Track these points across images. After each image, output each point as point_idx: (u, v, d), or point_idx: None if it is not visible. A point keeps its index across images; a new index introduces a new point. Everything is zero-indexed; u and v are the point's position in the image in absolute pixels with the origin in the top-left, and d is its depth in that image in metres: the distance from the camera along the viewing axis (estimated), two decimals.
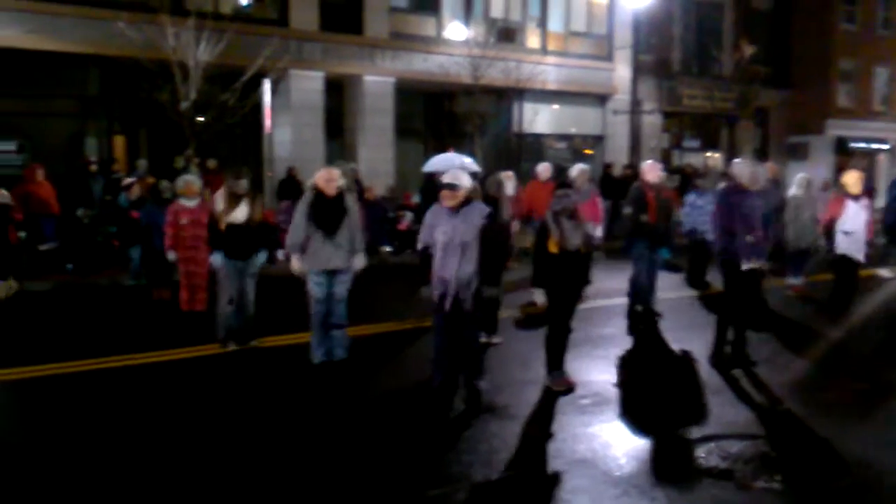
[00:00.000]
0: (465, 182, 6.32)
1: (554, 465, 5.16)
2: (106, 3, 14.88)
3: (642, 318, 9.50)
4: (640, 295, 9.65)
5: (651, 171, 9.61)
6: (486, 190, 8.27)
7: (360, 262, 7.54)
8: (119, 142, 16.68)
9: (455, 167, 14.96)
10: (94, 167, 14.19)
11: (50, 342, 8.59)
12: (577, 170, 11.39)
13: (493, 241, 6.42)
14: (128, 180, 12.81)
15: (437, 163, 14.89)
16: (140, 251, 11.56)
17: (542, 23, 21.47)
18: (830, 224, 10.20)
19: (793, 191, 11.15)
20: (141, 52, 13.57)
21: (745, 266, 7.35)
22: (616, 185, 18.29)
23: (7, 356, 7.85)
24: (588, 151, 22.98)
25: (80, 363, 7.55)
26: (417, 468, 5.10)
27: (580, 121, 22.94)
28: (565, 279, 6.60)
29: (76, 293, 11.76)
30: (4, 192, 11.47)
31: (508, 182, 14.01)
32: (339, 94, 18.84)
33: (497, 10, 20.52)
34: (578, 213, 6.74)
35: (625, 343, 8.59)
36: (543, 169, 13.54)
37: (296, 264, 7.38)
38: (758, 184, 7.68)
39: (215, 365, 7.63)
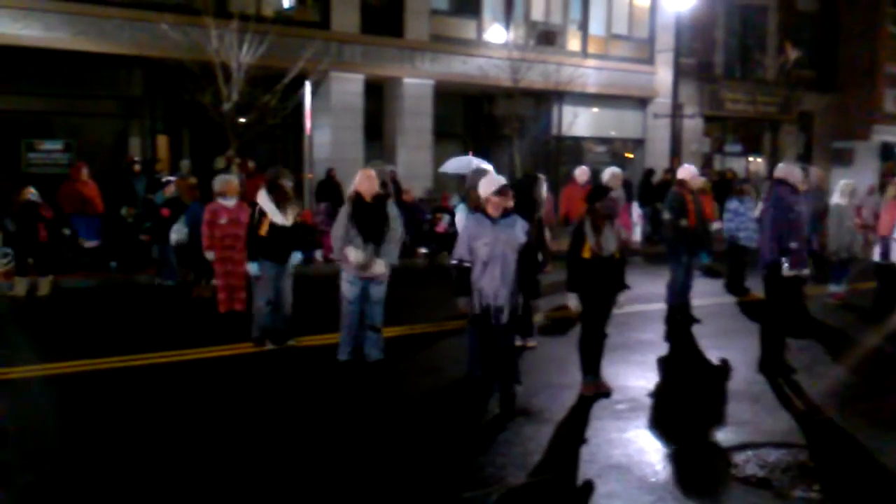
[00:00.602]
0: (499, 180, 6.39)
1: (588, 469, 5.13)
2: (151, 6, 15.11)
3: (680, 324, 9.42)
4: (678, 300, 9.57)
5: (689, 174, 9.54)
6: (522, 189, 8.17)
7: (380, 267, 7.41)
8: (162, 142, 16.91)
9: (471, 169, 14.99)
10: (137, 167, 14.41)
11: (89, 339, 8.75)
12: (609, 173, 11.33)
13: (533, 250, 6.46)
14: (166, 178, 13.00)
15: (453, 164, 14.84)
16: (173, 249, 11.73)
17: (583, 26, 21.35)
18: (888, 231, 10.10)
19: (835, 198, 10.93)
20: (184, 54, 13.76)
21: (787, 273, 7.24)
22: (656, 190, 18.15)
23: (49, 352, 8.01)
24: (628, 155, 22.81)
25: (116, 360, 7.68)
26: (451, 470, 5.11)
27: (620, 124, 22.78)
28: (600, 284, 6.55)
29: (118, 291, 11.96)
30: (33, 189, 11.69)
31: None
32: (378, 96, 18.91)
33: (538, 13, 20.44)
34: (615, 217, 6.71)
35: (662, 349, 8.52)
36: (581, 172, 13.45)
37: (353, 254, 7.33)
38: (807, 185, 7.64)
39: (253, 363, 7.71)
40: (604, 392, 6.66)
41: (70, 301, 11.17)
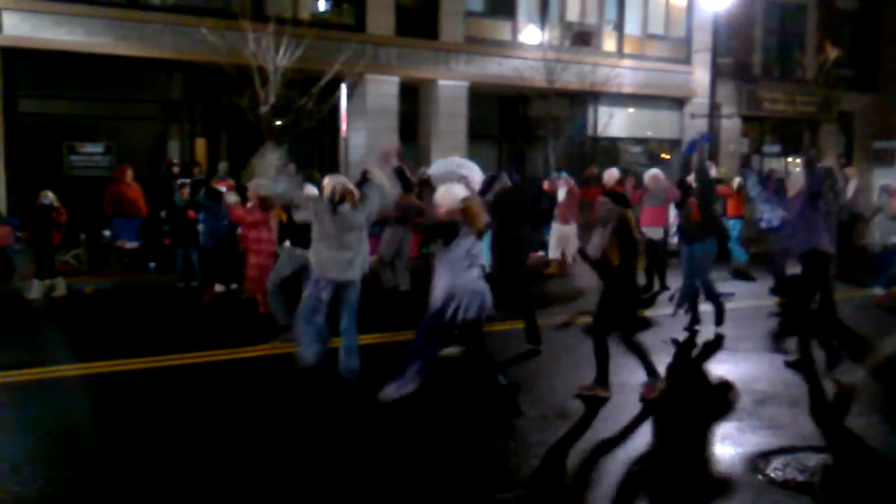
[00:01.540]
0: (455, 195, 6.15)
1: (627, 470, 5.10)
2: (191, 10, 15.30)
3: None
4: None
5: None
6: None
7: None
8: (200, 144, 17.12)
9: (452, 172, 14.86)
10: (176, 169, 14.61)
11: (117, 339, 8.91)
12: (649, 175, 11.31)
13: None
14: (181, 181, 13.07)
15: (436, 167, 14.86)
16: (196, 251, 11.88)
17: (619, 26, 21.22)
18: None
19: (876, 199, 10.84)
20: (222, 58, 13.93)
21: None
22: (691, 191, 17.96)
23: (87, 351, 8.16)
24: (665, 156, 22.62)
25: (141, 361, 7.82)
26: (485, 471, 5.11)
27: (656, 125, 22.60)
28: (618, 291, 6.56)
29: (135, 292, 12.07)
30: (49, 193, 11.88)
31: (562, 188, 13.94)
32: (413, 98, 18.96)
33: (573, 14, 20.36)
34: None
35: (704, 349, 8.43)
36: (609, 175, 13.29)
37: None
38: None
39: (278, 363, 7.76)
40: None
41: (83, 303, 11.32)
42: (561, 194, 13.86)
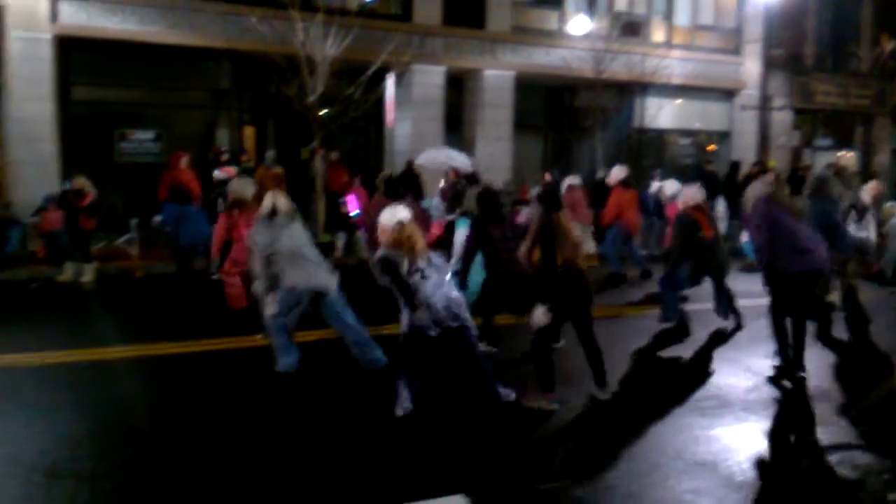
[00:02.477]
0: (391, 219, 5.88)
1: (673, 466, 5.06)
2: (241, 0, 15.45)
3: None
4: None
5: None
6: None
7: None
8: (248, 133, 17.31)
9: (441, 162, 14.63)
10: (224, 157, 14.76)
11: (157, 323, 9.09)
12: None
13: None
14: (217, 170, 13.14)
15: (427, 157, 14.85)
16: None
17: (668, 16, 20.95)
18: None
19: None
20: (271, 47, 14.04)
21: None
22: (743, 184, 17.67)
23: (130, 334, 8.32)
24: (712, 147, 22.29)
25: (180, 345, 7.99)
26: (530, 462, 5.10)
27: (705, 116, 22.28)
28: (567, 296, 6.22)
29: (201, 277, 12.18)
30: (81, 178, 12.02)
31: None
32: (458, 88, 18.93)
33: (621, 4, 20.15)
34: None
35: (751, 346, 8.30)
36: (617, 173, 12.76)
37: None
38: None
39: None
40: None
41: (112, 287, 11.47)
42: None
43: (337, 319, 6.85)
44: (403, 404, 5.83)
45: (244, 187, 9.20)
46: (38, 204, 12.87)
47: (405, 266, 5.69)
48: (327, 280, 6.80)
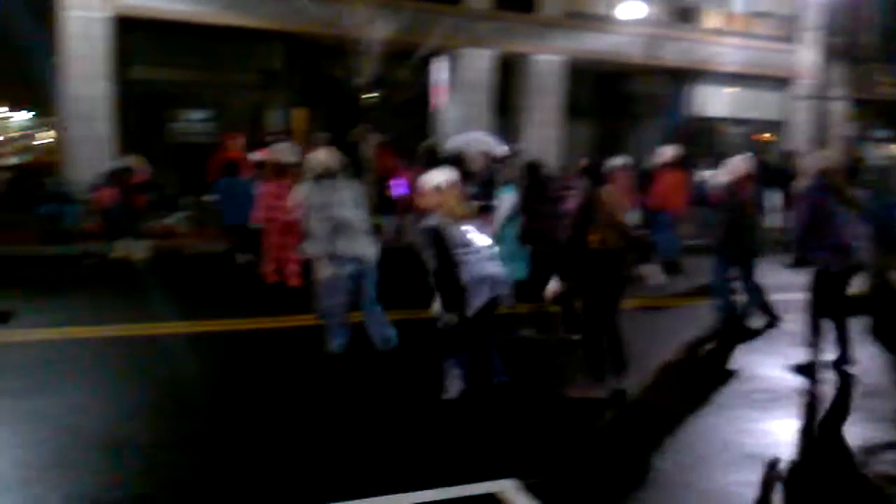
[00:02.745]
0: (431, 181, 5.74)
1: (721, 458, 5.01)
2: None
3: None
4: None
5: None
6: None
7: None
8: (298, 115, 17.42)
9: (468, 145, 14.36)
10: (275, 138, 14.84)
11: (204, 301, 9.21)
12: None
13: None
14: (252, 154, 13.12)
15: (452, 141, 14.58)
16: None
17: (723, 2, 20.57)
18: None
19: None
20: (323, 29, 14.10)
21: None
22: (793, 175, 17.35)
23: (185, 311, 8.46)
24: (767, 137, 21.87)
25: (223, 322, 8.04)
26: (578, 449, 5.09)
27: (758, 105, 21.88)
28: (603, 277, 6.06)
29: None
30: (131, 157, 12.17)
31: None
32: (507, 72, 18.83)
33: None
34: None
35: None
36: (667, 152, 12.15)
37: None
38: None
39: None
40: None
41: (164, 265, 11.64)
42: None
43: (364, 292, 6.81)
44: (453, 387, 5.82)
45: (285, 153, 9.12)
46: (94, 181, 13.12)
47: (454, 236, 5.53)
48: (368, 250, 6.73)
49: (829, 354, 6.96)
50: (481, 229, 5.75)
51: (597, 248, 5.80)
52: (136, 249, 11.95)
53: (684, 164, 12.47)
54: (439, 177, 5.71)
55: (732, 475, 4.74)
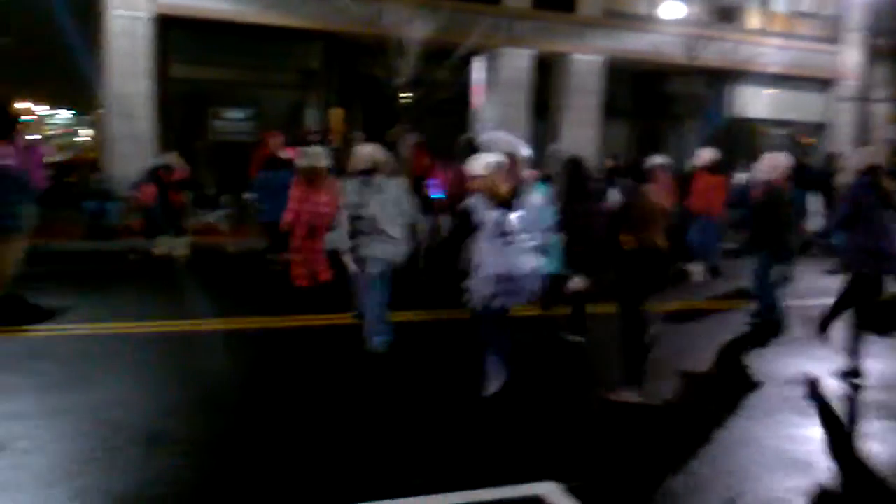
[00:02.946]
0: (481, 163, 5.72)
1: (770, 464, 4.93)
2: None
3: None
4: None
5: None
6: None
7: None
8: (335, 114, 17.50)
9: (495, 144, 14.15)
10: (315, 137, 14.95)
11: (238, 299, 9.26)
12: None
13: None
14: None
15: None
16: None
17: (765, 1, 20.30)
18: None
19: None
20: (361, 28, 14.15)
21: None
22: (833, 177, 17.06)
23: (219, 308, 8.54)
24: (806, 140, 21.55)
25: (261, 320, 8.09)
26: (620, 453, 5.05)
27: (799, 107, 21.56)
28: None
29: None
30: (171, 154, 12.27)
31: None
32: (545, 72, 18.76)
33: None
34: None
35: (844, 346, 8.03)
36: (704, 155, 11.95)
37: None
38: None
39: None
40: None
41: (205, 262, 11.74)
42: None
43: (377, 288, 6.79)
44: (491, 384, 5.81)
45: (317, 157, 9.13)
46: (136, 178, 13.30)
47: (494, 223, 5.52)
48: (397, 254, 6.71)
49: (869, 360, 6.83)
50: (531, 217, 5.69)
51: (633, 247, 5.73)
52: (177, 246, 12.08)
53: (721, 166, 12.34)
54: (489, 158, 5.72)
55: (778, 482, 4.67)
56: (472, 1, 16.98)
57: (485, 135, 14.51)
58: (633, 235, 5.70)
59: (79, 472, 4.44)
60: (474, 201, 5.61)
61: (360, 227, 6.62)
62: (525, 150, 8.70)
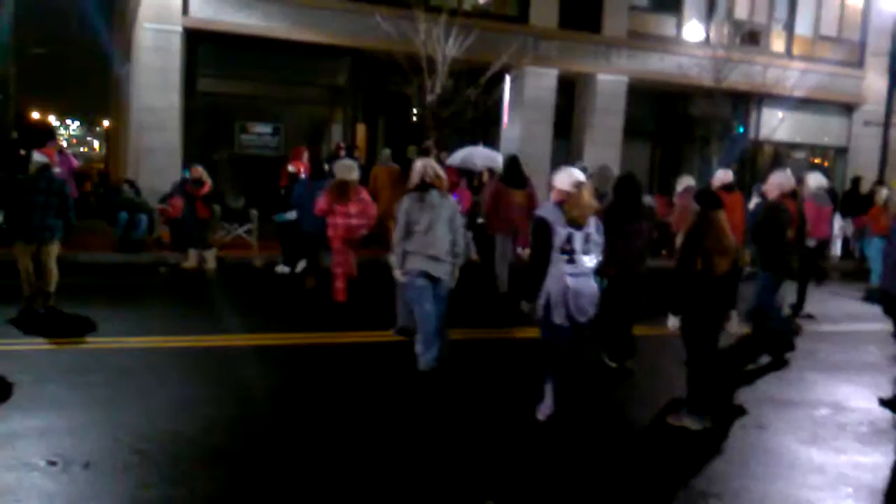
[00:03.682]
0: (567, 179, 5.65)
1: (838, 490, 4.88)
2: None
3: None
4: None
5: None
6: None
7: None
8: (360, 130, 17.54)
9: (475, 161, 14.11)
10: (343, 153, 14.99)
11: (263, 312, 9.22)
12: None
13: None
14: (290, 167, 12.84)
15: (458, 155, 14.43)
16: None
17: (789, 26, 20.34)
18: None
19: None
20: (392, 46, 14.19)
21: None
22: (862, 201, 17.02)
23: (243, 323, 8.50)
24: (816, 161, 21.42)
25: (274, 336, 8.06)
26: (679, 478, 5.00)
27: (822, 131, 21.56)
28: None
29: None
30: (199, 168, 12.29)
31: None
32: (569, 92, 18.79)
33: (742, 12, 19.66)
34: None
35: (890, 371, 7.96)
36: (719, 175, 11.24)
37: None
38: None
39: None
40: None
41: (235, 276, 11.80)
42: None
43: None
44: (545, 407, 5.75)
45: (349, 169, 9.12)
46: (165, 191, 13.34)
47: (562, 236, 5.46)
48: (447, 271, 6.62)
49: None
50: (594, 242, 5.65)
51: (703, 273, 5.68)
52: (206, 259, 12.07)
53: (738, 186, 12.29)
54: (577, 174, 5.66)
55: None
56: (500, 20, 17.05)
57: (461, 150, 14.56)
58: (703, 261, 5.64)
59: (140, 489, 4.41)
60: (552, 216, 5.52)
61: (412, 242, 6.59)
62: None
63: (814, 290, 10.96)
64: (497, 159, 13.76)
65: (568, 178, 5.61)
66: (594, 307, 5.68)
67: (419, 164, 6.80)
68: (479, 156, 14.32)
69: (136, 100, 15.17)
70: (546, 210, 5.63)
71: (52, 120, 49.24)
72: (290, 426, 5.52)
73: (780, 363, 7.94)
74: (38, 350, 7.18)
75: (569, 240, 5.47)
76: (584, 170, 13.25)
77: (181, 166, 14.60)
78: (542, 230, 5.49)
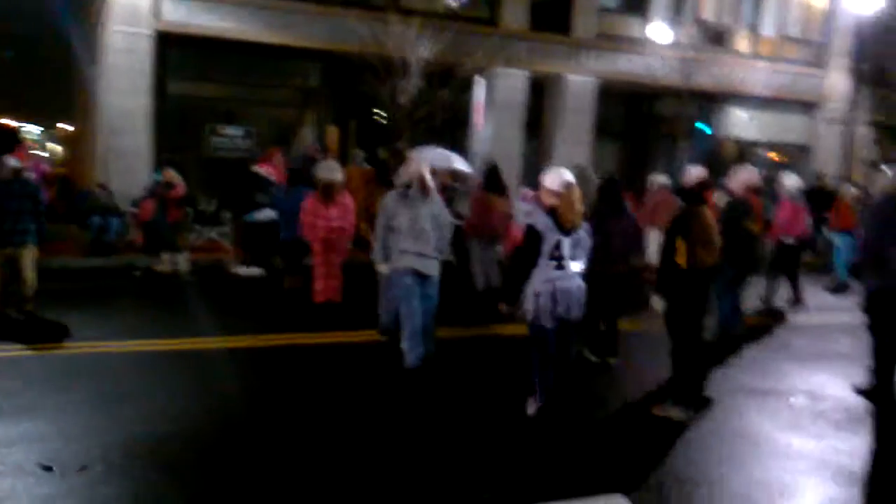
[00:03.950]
0: (556, 180, 5.69)
1: (820, 474, 5.02)
2: (339, 1, 15.66)
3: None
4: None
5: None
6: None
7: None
8: (332, 132, 17.50)
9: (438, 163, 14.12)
10: (318, 155, 14.91)
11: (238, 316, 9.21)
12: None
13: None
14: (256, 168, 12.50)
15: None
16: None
17: (754, 27, 20.69)
18: None
19: None
20: (365, 48, 14.21)
21: None
22: (826, 198, 17.34)
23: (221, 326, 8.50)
24: (775, 157, 21.80)
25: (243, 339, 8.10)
26: (673, 465, 5.10)
27: (785, 129, 21.92)
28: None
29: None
30: (170, 171, 12.25)
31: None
32: (539, 92, 18.92)
33: (708, 13, 19.96)
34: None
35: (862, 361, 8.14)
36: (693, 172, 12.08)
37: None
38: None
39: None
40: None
41: (210, 279, 11.71)
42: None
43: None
44: (535, 401, 5.82)
45: (332, 171, 9.07)
46: (134, 194, 13.24)
47: (551, 243, 5.48)
48: (431, 268, 6.69)
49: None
50: (583, 246, 5.72)
51: (687, 267, 5.80)
52: (178, 263, 12.00)
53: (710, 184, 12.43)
54: (568, 176, 5.66)
55: (833, 492, 4.76)
56: (471, 22, 17.12)
57: (417, 151, 14.57)
58: (688, 256, 5.76)
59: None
60: (545, 222, 5.55)
61: (396, 239, 6.65)
62: (461, 165, 8.54)
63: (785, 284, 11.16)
64: (454, 160, 13.58)
65: (558, 178, 5.65)
66: (582, 305, 5.76)
67: (413, 169, 6.86)
68: (437, 158, 14.24)
69: (105, 102, 15.01)
70: (541, 220, 5.61)
71: (12, 122, 48.34)
72: (278, 426, 5.55)
73: (759, 355, 8.12)
74: (18, 356, 7.11)
75: (558, 246, 5.54)
76: (585, 170, 13.37)
77: (151, 169, 14.48)
78: (533, 238, 5.55)
